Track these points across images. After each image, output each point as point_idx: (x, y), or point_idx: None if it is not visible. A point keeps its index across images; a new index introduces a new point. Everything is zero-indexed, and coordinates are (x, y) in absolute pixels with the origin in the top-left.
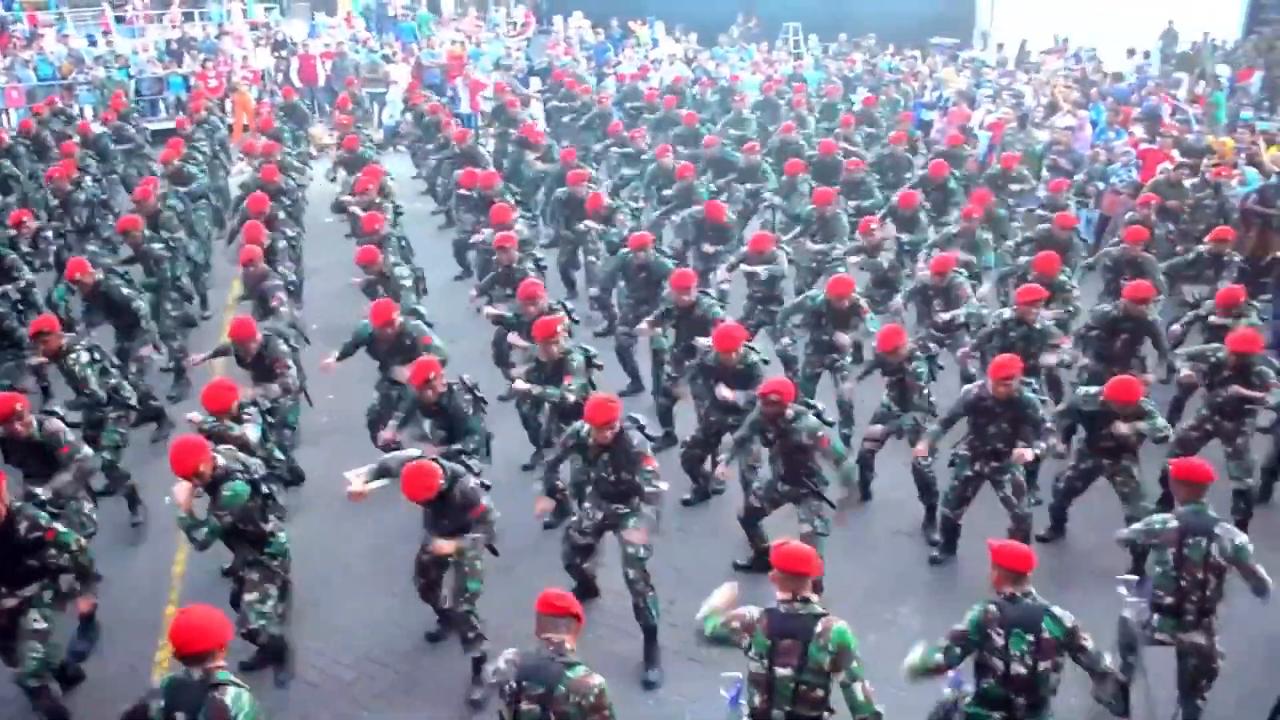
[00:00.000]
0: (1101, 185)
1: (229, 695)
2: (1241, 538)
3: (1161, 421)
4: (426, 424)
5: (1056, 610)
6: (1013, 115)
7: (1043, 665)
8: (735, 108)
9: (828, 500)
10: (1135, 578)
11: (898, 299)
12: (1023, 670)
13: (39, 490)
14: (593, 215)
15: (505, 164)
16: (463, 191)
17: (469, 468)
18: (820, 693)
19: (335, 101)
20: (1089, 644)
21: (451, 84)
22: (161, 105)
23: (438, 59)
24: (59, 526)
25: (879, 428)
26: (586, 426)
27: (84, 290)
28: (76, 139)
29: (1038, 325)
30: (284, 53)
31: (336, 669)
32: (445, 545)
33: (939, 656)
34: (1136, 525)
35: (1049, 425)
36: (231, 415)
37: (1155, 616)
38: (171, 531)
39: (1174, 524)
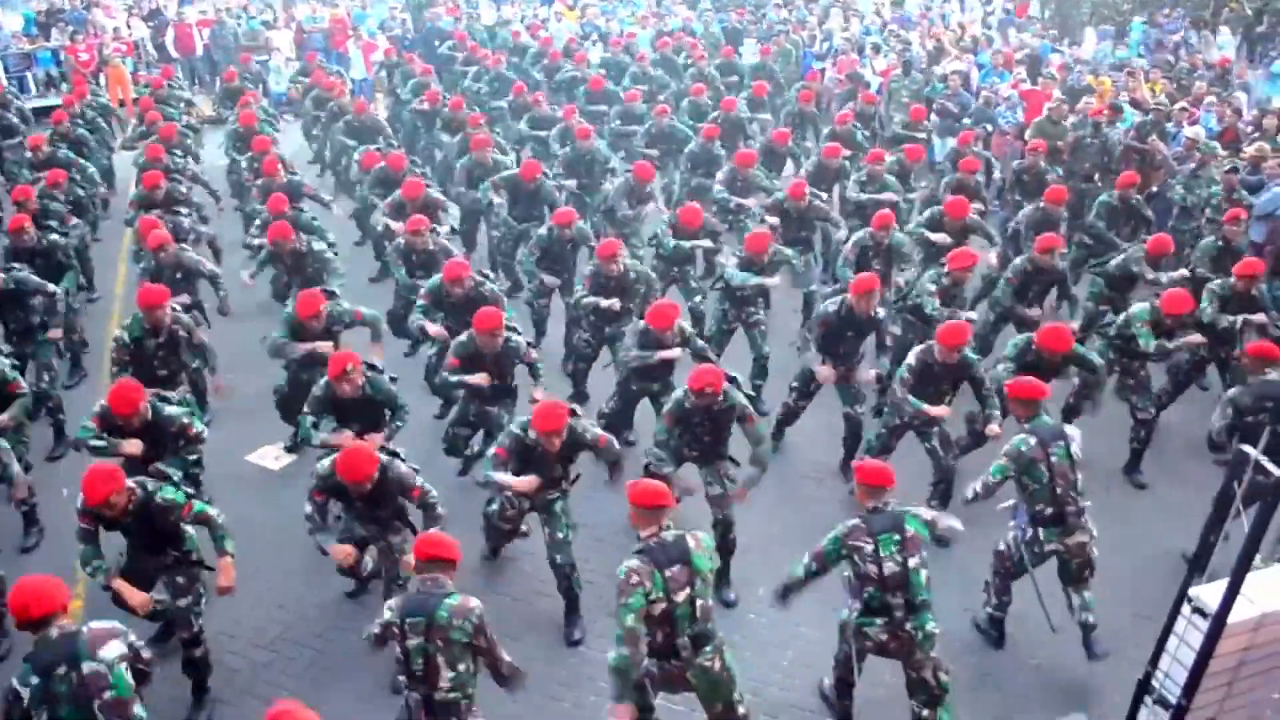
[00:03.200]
0: (989, 128)
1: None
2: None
3: (1098, 359)
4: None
5: (915, 509)
6: (899, 62)
7: (913, 561)
8: (638, 66)
9: (733, 459)
10: (1010, 503)
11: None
12: (895, 568)
13: None
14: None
15: (402, 132)
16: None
17: (396, 453)
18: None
19: (223, 75)
20: (946, 521)
21: (338, 48)
22: (31, 81)
23: (320, 24)
24: None
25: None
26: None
27: None
28: None
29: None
30: (156, 23)
31: (253, 652)
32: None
33: (799, 570)
34: (996, 465)
35: (989, 388)
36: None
37: (1040, 530)
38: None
39: (1034, 440)
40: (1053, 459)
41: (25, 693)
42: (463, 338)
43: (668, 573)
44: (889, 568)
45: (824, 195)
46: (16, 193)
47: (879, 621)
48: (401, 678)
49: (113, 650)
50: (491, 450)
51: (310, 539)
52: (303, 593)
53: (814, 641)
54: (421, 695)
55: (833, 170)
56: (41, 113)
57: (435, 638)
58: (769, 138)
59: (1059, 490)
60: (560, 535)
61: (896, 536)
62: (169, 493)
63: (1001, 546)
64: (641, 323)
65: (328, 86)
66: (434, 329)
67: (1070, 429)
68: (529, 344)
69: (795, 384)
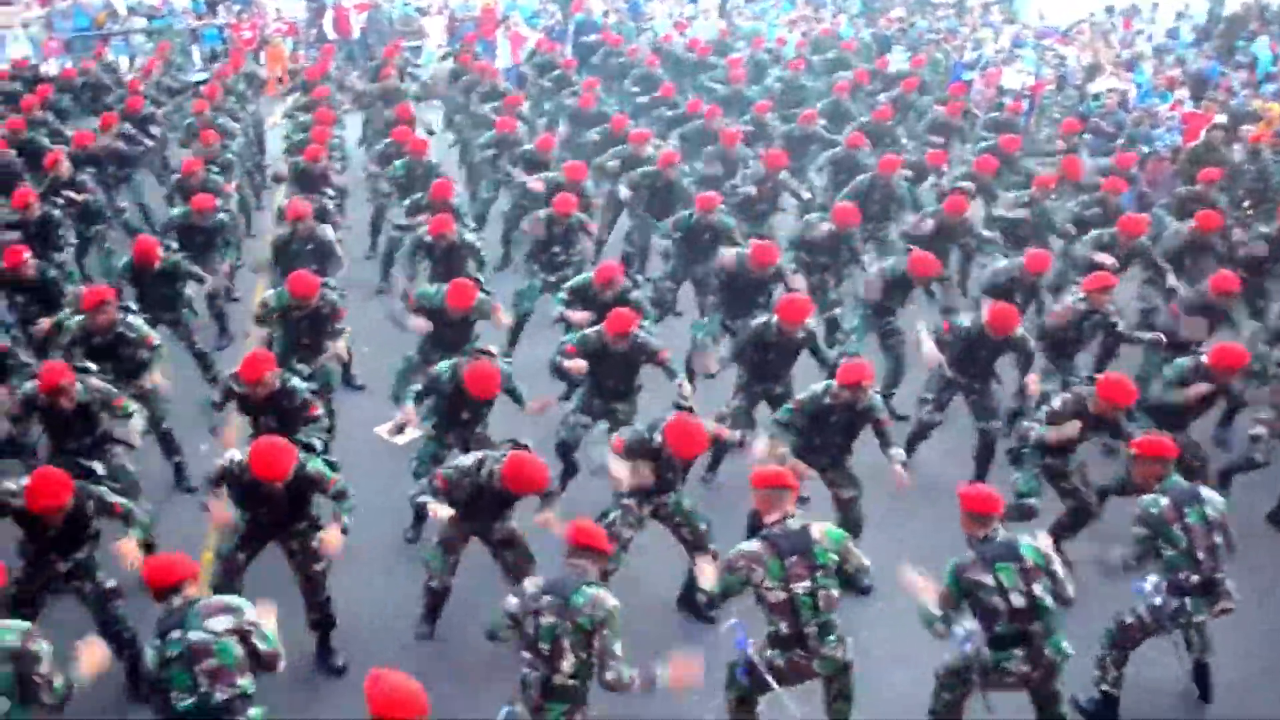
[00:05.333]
0: (1145, 150)
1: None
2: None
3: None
4: None
5: (1028, 538)
6: (1053, 76)
7: (1037, 588)
8: (789, 71)
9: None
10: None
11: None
12: (1022, 600)
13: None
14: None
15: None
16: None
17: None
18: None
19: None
20: (1059, 569)
21: (486, 37)
22: (196, 56)
23: (471, 12)
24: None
25: None
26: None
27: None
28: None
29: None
30: (316, 5)
31: (357, 621)
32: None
33: (939, 626)
34: (1137, 528)
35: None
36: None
37: (1186, 601)
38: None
39: (1165, 500)
40: (1188, 520)
41: (150, 653)
42: (590, 333)
43: (787, 562)
44: (1016, 601)
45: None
46: (186, 166)
47: (1018, 653)
48: (525, 654)
49: (222, 623)
50: (609, 444)
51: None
52: (406, 566)
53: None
54: (542, 675)
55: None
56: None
57: (567, 620)
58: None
59: (1200, 557)
60: (701, 528)
61: (1015, 565)
62: (318, 464)
63: (1130, 619)
64: (774, 317)
65: (479, 70)
66: (578, 315)
67: (1211, 492)
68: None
69: (927, 395)
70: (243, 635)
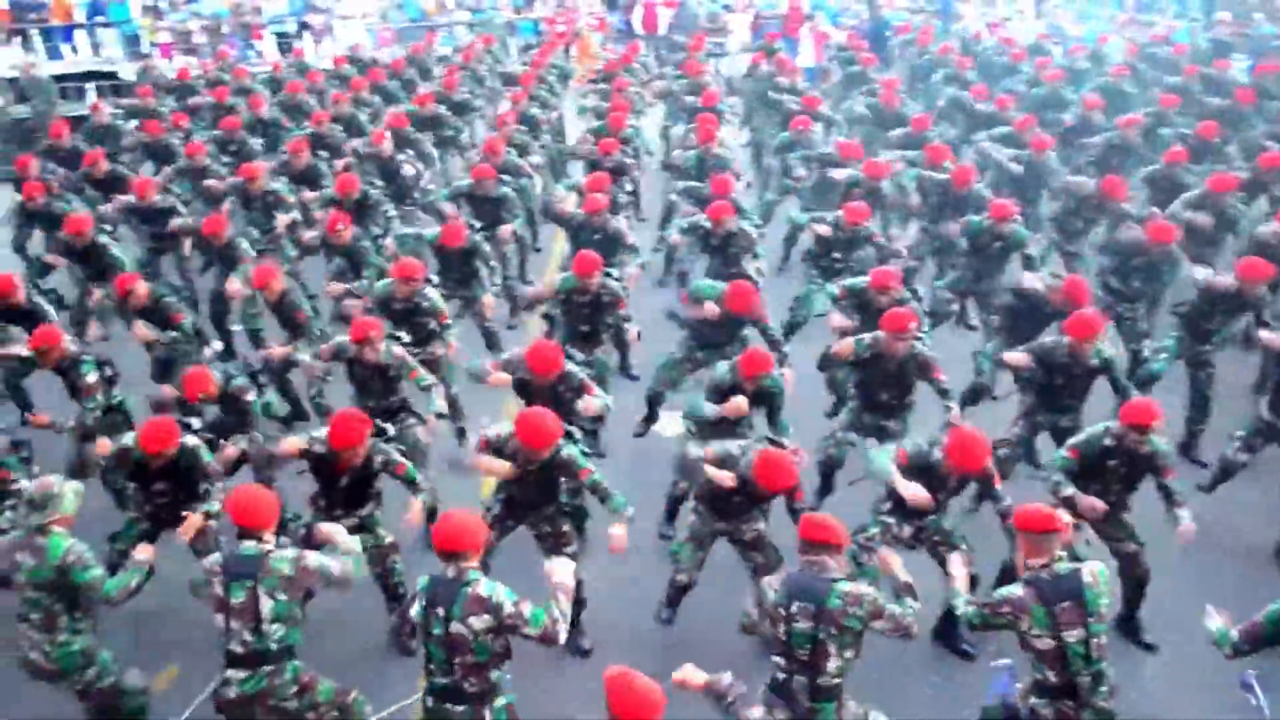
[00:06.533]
0: None
1: (483, 587)
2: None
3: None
4: None
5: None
6: None
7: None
8: (1110, 78)
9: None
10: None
11: None
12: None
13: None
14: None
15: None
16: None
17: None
18: None
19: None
20: None
21: (790, 35)
22: (512, 48)
23: (776, 9)
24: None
25: None
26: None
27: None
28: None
29: None
30: (626, 1)
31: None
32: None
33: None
34: None
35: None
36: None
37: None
38: None
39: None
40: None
41: (413, 611)
42: (865, 338)
43: (1056, 609)
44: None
45: None
46: (489, 145)
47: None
48: (779, 659)
49: (481, 622)
50: (890, 458)
51: None
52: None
53: None
54: (805, 681)
55: None
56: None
57: (827, 623)
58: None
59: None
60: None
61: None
62: (574, 451)
63: None
64: (1064, 336)
65: (779, 63)
66: (841, 321)
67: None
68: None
69: (1242, 435)
70: (502, 631)
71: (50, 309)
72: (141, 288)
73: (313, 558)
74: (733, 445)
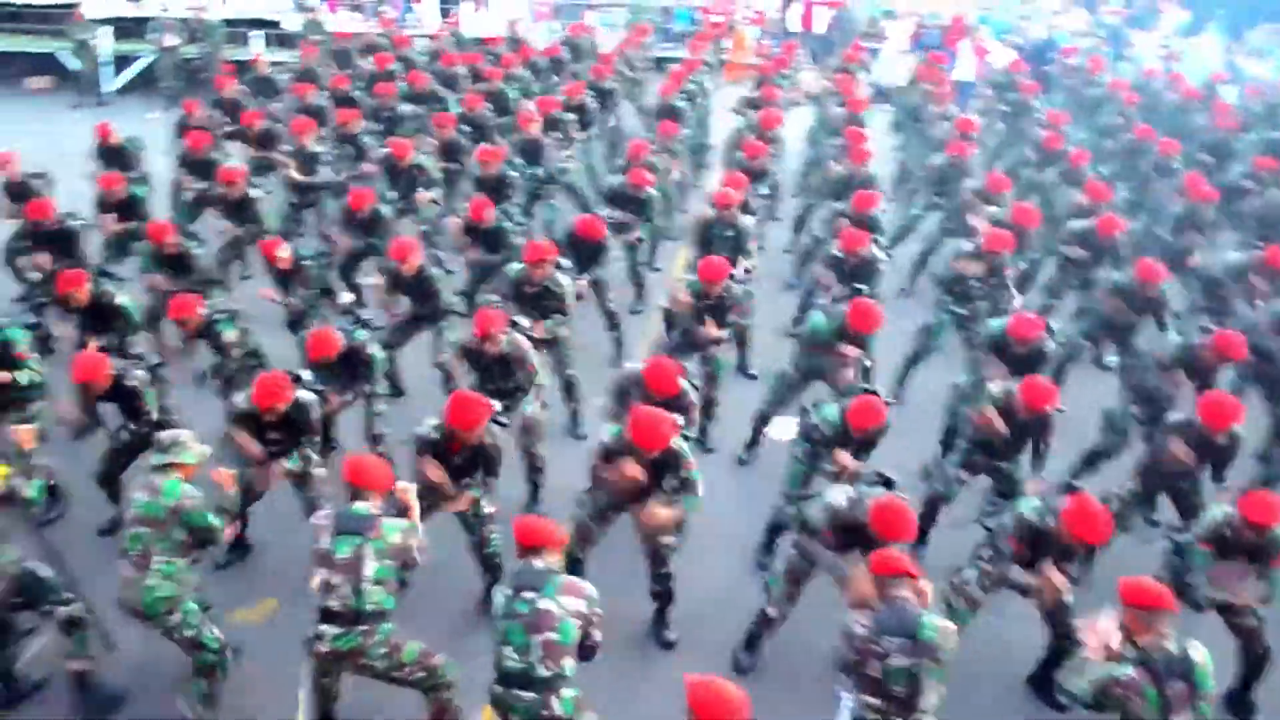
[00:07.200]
0: None
1: (572, 578)
2: None
3: None
4: None
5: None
6: None
7: None
8: None
9: None
10: None
11: None
12: None
13: None
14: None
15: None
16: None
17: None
18: None
19: (843, 55)
20: None
21: (949, 46)
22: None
23: (939, 20)
24: None
25: None
26: None
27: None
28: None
29: None
30: None
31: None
32: None
33: None
34: None
35: None
36: None
37: None
38: None
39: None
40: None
41: (499, 598)
42: (997, 389)
43: (1167, 689)
44: None
45: None
46: (633, 150)
47: None
48: (871, 698)
49: (574, 604)
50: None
51: None
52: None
53: None
54: (902, 717)
55: None
56: (665, 62)
57: (924, 658)
58: None
59: None
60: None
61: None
62: (682, 444)
63: None
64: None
65: (932, 78)
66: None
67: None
68: None
69: None
70: (587, 623)
71: (200, 250)
72: (285, 252)
73: (420, 536)
74: (841, 499)
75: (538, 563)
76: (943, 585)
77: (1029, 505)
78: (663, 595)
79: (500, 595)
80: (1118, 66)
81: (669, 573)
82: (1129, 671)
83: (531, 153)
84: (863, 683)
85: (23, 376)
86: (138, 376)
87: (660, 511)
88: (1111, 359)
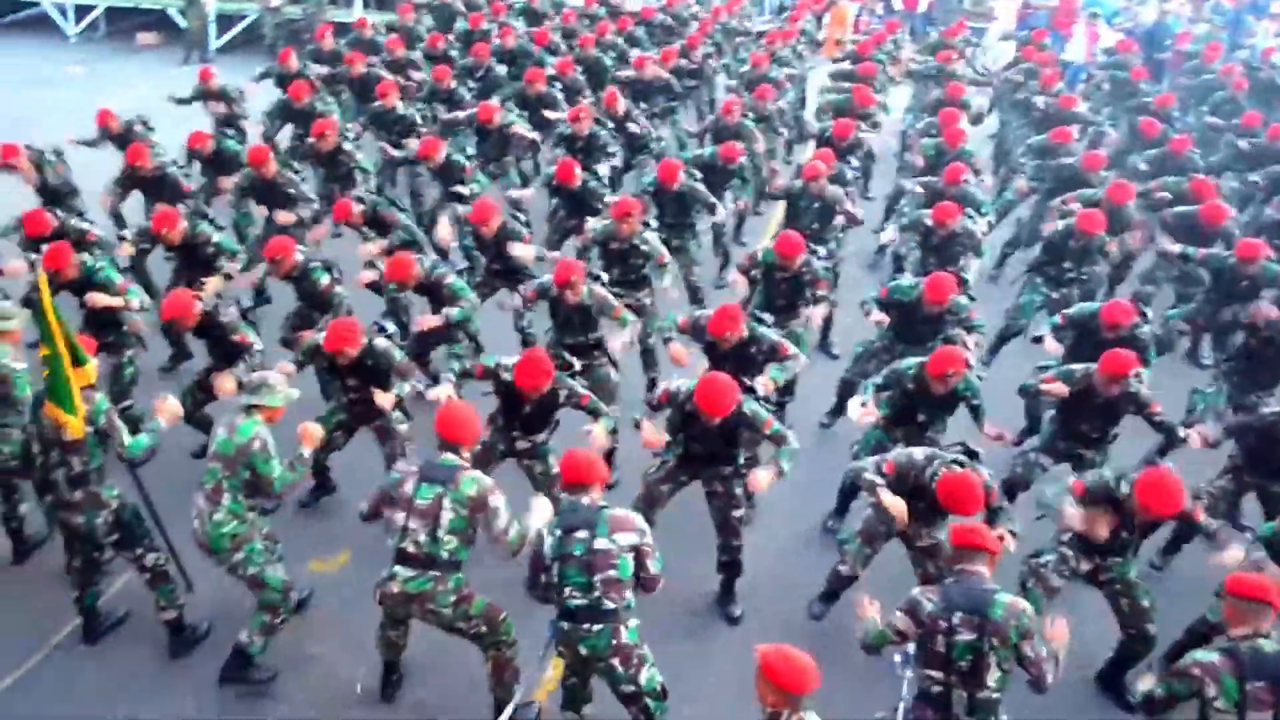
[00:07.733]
0: None
1: (620, 510)
2: None
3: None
4: None
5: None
6: None
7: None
8: None
9: None
10: None
11: None
12: None
13: None
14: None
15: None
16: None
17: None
18: None
19: (943, 31)
20: None
21: (1059, 29)
22: (765, 5)
23: (1048, 1)
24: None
25: None
26: None
27: None
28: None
29: None
30: None
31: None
32: None
33: None
34: None
35: None
36: None
37: None
38: None
39: None
40: None
41: (549, 540)
42: (1078, 370)
43: (1249, 686)
44: None
45: None
46: (725, 108)
47: None
48: (934, 671)
49: (627, 539)
50: (1065, 489)
51: None
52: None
53: None
54: (966, 693)
55: None
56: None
57: (992, 636)
58: None
59: None
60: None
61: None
62: (754, 405)
63: None
64: None
65: (1040, 61)
66: (1056, 346)
67: None
68: None
69: None
70: (640, 554)
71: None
72: (357, 208)
73: (497, 497)
74: (919, 454)
75: (584, 499)
76: (1021, 569)
77: (1097, 475)
78: (731, 566)
79: (550, 537)
80: (1234, 55)
81: (739, 544)
82: (1213, 657)
83: (619, 122)
84: (927, 657)
85: (134, 299)
86: (230, 313)
87: (762, 474)
88: (1207, 358)
